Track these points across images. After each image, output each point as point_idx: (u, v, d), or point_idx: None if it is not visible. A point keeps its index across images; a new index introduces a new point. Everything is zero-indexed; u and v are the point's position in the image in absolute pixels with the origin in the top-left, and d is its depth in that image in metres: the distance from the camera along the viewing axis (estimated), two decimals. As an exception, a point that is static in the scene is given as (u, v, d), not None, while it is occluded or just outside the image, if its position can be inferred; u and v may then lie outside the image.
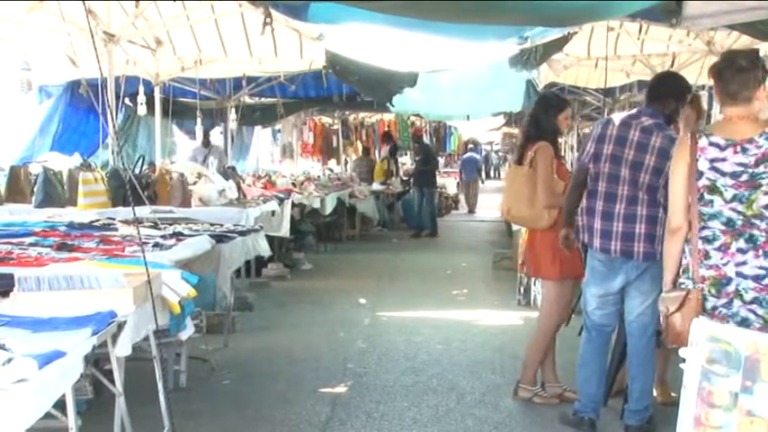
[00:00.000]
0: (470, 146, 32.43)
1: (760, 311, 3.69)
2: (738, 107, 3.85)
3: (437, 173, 20.38)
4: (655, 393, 5.63)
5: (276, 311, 9.27)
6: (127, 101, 12.25)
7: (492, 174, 58.04)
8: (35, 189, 8.33)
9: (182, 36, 10.47)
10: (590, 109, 18.76)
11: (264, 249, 7.59)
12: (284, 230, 10.62)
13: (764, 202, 3.71)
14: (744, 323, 3.68)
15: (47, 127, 11.92)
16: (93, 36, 4.55)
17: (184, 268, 4.99)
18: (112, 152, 9.53)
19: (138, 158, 9.47)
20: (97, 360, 3.94)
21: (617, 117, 5.31)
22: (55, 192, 8.25)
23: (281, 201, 10.72)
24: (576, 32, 9.71)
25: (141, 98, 10.83)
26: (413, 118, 23.91)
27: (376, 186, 18.62)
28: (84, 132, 12.10)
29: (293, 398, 6.04)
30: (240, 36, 10.36)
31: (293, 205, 11.64)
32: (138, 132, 13.82)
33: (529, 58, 9.69)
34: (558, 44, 9.90)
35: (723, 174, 3.78)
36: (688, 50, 10.72)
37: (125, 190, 7.87)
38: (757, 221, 3.72)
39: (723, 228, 3.79)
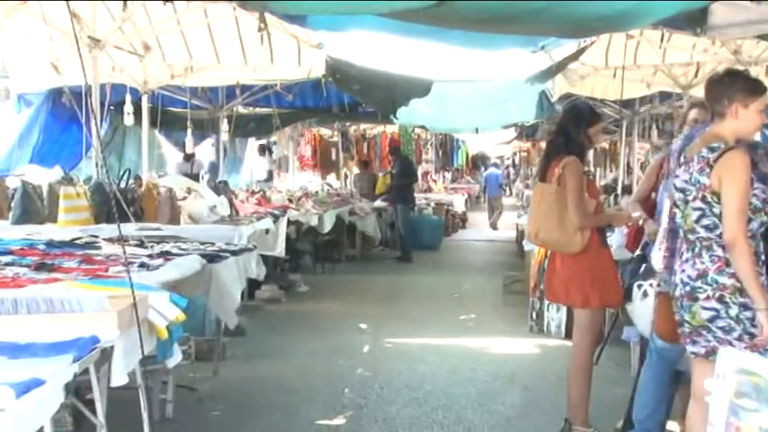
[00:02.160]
0: (494, 161, 32.64)
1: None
2: (714, 122, 4.31)
3: (415, 188, 20.07)
4: (678, 431, 5.63)
5: (270, 337, 9.25)
6: (113, 110, 12.26)
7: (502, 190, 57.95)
8: (13, 204, 8.32)
9: (172, 41, 10.51)
10: (607, 122, 18.78)
11: (258, 271, 7.58)
12: (279, 250, 10.61)
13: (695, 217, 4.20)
14: None
15: (26, 138, 11.90)
16: (77, 41, 4.58)
17: (172, 290, 4.97)
18: (96, 165, 9.52)
19: (124, 172, 9.47)
20: (78, 389, 3.92)
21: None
22: (34, 207, 8.24)
23: (276, 218, 10.71)
24: (593, 42, 9.76)
25: (128, 107, 10.84)
26: (418, 130, 23.98)
27: (378, 203, 18.61)
28: (66, 144, 12.09)
29: (287, 430, 6.01)
30: (234, 42, 10.39)
31: (289, 223, 11.63)
32: (124, 144, 13.83)
33: (545, 73, 9.74)
34: (575, 53, 9.95)
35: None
36: (714, 60, 10.72)
37: (109, 205, 7.86)
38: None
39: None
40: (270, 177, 19.66)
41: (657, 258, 5.36)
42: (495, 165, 32.25)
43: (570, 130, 5.89)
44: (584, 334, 5.86)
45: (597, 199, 5.89)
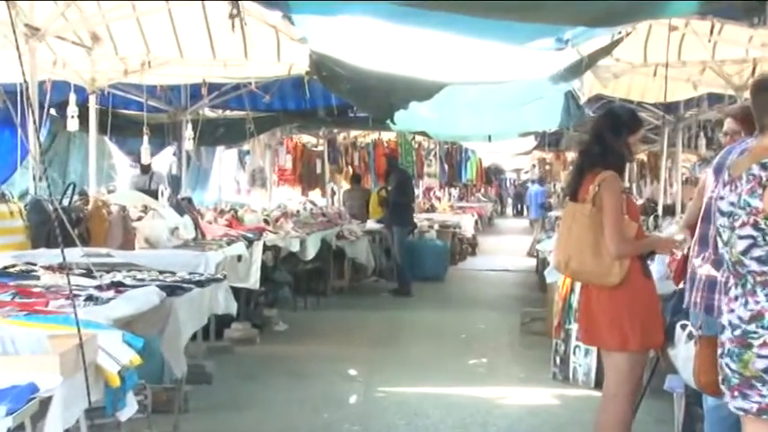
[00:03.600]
0: (536, 176, 32.79)
1: None
2: (764, 135, 4.30)
3: (414, 207, 20.03)
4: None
5: (241, 385, 9.23)
6: (53, 112, 12.27)
7: (517, 209, 58.19)
8: (-67, 225, 8.32)
9: (125, 31, 10.53)
10: (646, 129, 18.82)
11: (228, 305, 7.58)
12: (253, 281, 10.61)
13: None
14: None
15: (-52, 145, 11.93)
16: (14, 30, 4.59)
17: (126, 328, 4.97)
18: (34, 178, 9.52)
19: (67, 186, 9.46)
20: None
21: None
22: (-42, 229, 8.25)
23: (249, 242, 10.71)
24: (628, 33, 9.79)
25: (72, 109, 10.85)
26: (419, 138, 23.99)
27: (371, 225, 18.61)
28: (-4, 152, 12.11)
29: (263, 498, 6.00)
30: (200, 32, 10.43)
31: (265, 248, 11.63)
32: (68, 153, 13.84)
33: (573, 70, 9.74)
34: (607, 47, 9.97)
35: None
36: (774, 56, 10.79)
37: (50, 227, 7.86)
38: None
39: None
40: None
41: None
42: (540, 181, 32.15)
43: (607, 138, 5.89)
44: (621, 382, 5.85)
45: (638, 221, 5.88)
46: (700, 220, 5.53)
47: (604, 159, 5.85)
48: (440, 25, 7.40)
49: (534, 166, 41.42)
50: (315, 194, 22.36)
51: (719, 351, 4.31)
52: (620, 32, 9.43)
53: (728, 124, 5.70)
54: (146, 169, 14.76)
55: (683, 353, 5.66)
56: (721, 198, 4.30)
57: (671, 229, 9.60)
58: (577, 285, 7.42)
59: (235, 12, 8.02)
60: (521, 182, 54.42)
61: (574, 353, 9.39)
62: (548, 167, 36.29)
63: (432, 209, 26.89)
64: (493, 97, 12.03)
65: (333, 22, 9.08)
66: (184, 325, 6.52)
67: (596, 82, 12.22)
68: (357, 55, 10.42)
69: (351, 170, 23.58)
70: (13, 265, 6.91)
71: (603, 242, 5.73)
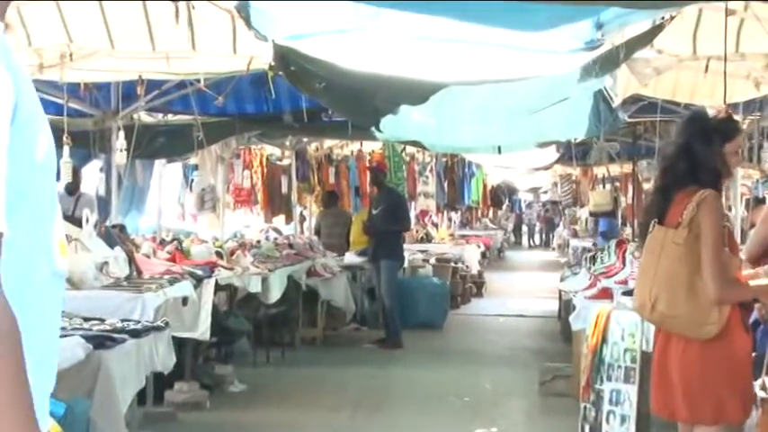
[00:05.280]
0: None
1: None
2: None
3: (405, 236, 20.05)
4: None
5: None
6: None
7: (532, 239, 58.24)
8: None
9: (41, 16, 10.55)
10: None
11: (165, 360, 7.58)
12: (202, 329, 10.62)
13: None
14: None
15: None
16: None
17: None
18: None
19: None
20: None
21: None
22: None
23: (198, 281, 10.72)
24: (672, 17, 9.83)
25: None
26: (411, 150, 23.99)
27: (351, 258, 18.60)
28: None
29: None
30: (137, 18, 10.45)
31: (217, 288, 11.64)
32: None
33: (606, 62, 9.72)
34: (646, 35, 10.00)
35: None
36: None
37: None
38: None
39: None
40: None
41: None
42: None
43: (698, 150, 5.84)
44: None
45: (737, 255, 5.85)
46: None
47: (695, 176, 5.80)
48: (437, 9, 7.44)
49: (556, 184, 41.51)
50: (279, 220, 22.30)
51: None
52: (662, 17, 9.47)
53: None
54: (71, 190, 14.72)
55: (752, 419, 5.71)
56: None
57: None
58: (622, 332, 7.41)
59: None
60: (550, 203, 53.52)
61: (607, 420, 9.37)
62: (573, 186, 36.41)
63: (427, 238, 26.85)
64: (503, 99, 12.01)
65: (301, 17, 9.12)
66: (121, 386, 6.51)
67: (633, 79, 12.20)
68: (333, 45, 10.42)
69: (325, 189, 23.30)
70: None
71: (700, 280, 5.62)
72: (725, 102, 12.05)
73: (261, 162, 22.13)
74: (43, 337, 2.24)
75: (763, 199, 17.14)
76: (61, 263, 2.29)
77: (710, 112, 6.64)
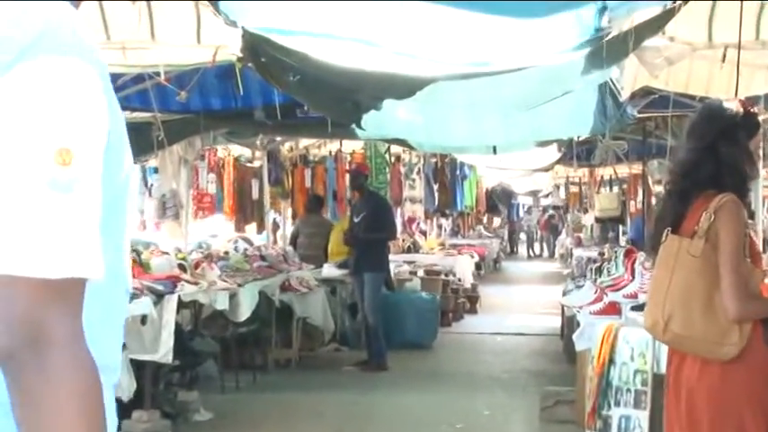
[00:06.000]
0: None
1: None
2: None
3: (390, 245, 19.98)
4: None
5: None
6: None
7: (532, 248, 58.38)
8: None
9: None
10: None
11: (127, 386, 7.54)
12: (164, 351, 10.59)
13: None
14: None
15: None
16: None
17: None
18: None
19: None
20: None
21: None
22: None
23: (158, 297, 10.68)
24: (685, 2, 9.82)
25: None
26: (396, 149, 23.98)
27: (330, 270, 18.57)
28: None
29: None
30: (89, 4, 10.41)
31: (180, 305, 11.61)
32: None
33: (613, 50, 9.69)
34: (655, 21, 9.98)
35: None
36: None
37: None
38: None
39: None
40: None
41: None
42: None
43: (724, 150, 5.71)
44: None
45: (760, 267, 5.76)
46: None
47: (718, 180, 5.67)
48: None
49: (558, 187, 41.61)
50: (250, 228, 22.23)
51: None
52: (674, 1, 9.45)
53: None
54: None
55: None
56: None
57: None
58: (631, 352, 7.40)
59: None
60: (552, 207, 53.30)
61: (615, 450, 9.39)
62: (575, 189, 36.46)
63: (414, 248, 26.83)
64: (498, 93, 11.99)
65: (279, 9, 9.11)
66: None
67: (642, 70, 12.17)
68: (308, 34, 10.38)
69: (300, 194, 23.29)
70: None
71: (719, 296, 5.50)
72: (736, 94, 12.08)
73: (228, 164, 22.02)
74: (110, 353, 2.25)
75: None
76: (131, 281, 2.34)
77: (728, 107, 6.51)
